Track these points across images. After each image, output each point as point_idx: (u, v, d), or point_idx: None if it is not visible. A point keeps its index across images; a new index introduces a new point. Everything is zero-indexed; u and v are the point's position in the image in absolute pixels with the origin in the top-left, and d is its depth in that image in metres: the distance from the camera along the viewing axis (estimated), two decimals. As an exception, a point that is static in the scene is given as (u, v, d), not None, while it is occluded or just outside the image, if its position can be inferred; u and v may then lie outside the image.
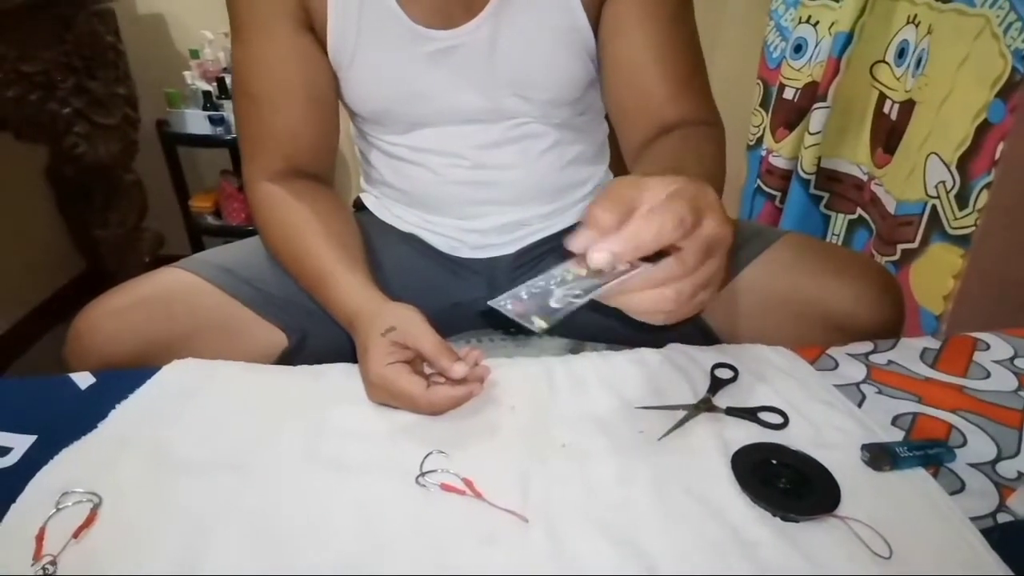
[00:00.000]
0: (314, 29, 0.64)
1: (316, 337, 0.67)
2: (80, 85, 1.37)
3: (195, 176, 1.88)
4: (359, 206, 0.82)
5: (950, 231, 0.97)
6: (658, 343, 0.75)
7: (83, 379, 0.57)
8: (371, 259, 0.71)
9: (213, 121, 1.66)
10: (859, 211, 1.25)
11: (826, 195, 1.29)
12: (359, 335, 0.54)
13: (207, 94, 1.67)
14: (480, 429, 0.49)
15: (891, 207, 1.10)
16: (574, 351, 0.81)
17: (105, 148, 1.42)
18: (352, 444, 0.47)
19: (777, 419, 0.48)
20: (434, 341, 0.50)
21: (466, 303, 0.77)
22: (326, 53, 0.65)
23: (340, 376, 0.56)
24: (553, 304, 0.36)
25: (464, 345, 0.81)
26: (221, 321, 0.63)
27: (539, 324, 0.35)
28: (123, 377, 0.56)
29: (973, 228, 0.93)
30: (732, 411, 0.49)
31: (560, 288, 0.37)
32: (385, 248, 0.75)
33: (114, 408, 0.52)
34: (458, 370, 0.49)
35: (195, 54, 1.72)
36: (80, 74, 1.36)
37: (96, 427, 0.50)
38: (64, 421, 0.50)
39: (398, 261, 0.75)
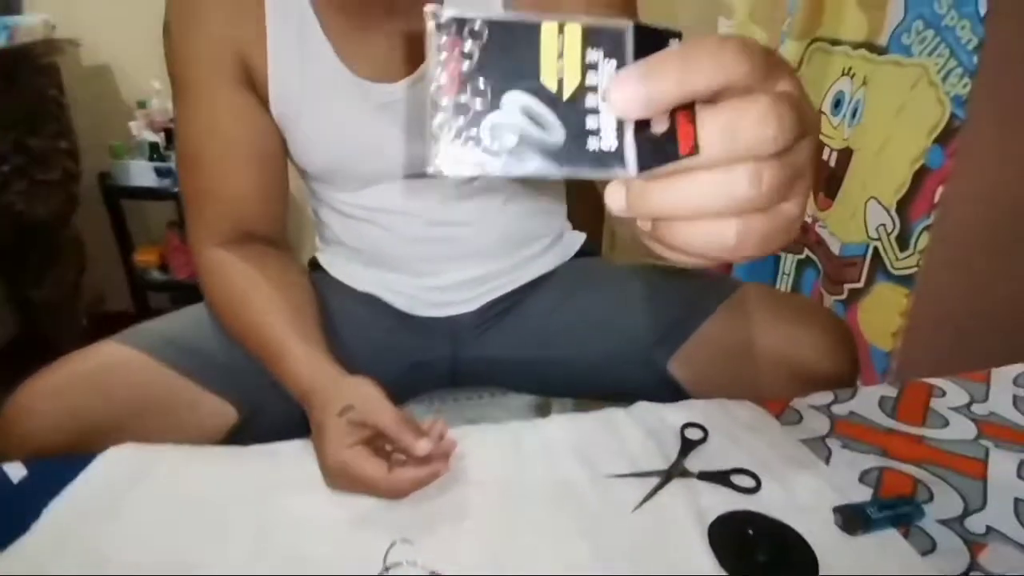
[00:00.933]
0: (255, 87, 0.63)
1: (269, 408, 0.63)
2: (20, 142, 1.31)
3: (141, 229, 1.81)
4: (315, 265, 0.80)
5: (893, 271, 1.01)
6: (626, 394, 0.75)
7: (15, 470, 0.53)
8: (327, 322, 0.68)
9: (160, 173, 1.62)
10: (806, 251, 1.29)
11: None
12: (314, 415, 0.52)
13: (154, 145, 1.63)
14: (447, 510, 0.47)
15: (836, 248, 1.14)
16: (540, 408, 0.80)
17: (44, 205, 1.36)
18: (309, 537, 0.44)
19: (750, 482, 0.48)
20: (395, 417, 0.48)
21: (428, 363, 0.76)
22: (269, 111, 0.63)
23: (295, 456, 0.53)
24: (496, 144, 0.21)
25: (426, 409, 0.79)
26: (164, 398, 0.60)
27: (437, 164, 0.21)
28: (57, 467, 0.52)
29: (916, 268, 0.97)
30: (705, 475, 0.48)
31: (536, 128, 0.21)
32: (342, 309, 0.73)
33: (47, 505, 0.48)
34: (422, 447, 0.47)
35: (142, 104, 1.68)
36: (20, 130, 1.31)
37: (29, 528, 0.46)
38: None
39: (356, 322, 0.73)
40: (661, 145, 0.22)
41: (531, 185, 0.74)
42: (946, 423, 0.57)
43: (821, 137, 1.17)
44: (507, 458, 0.52)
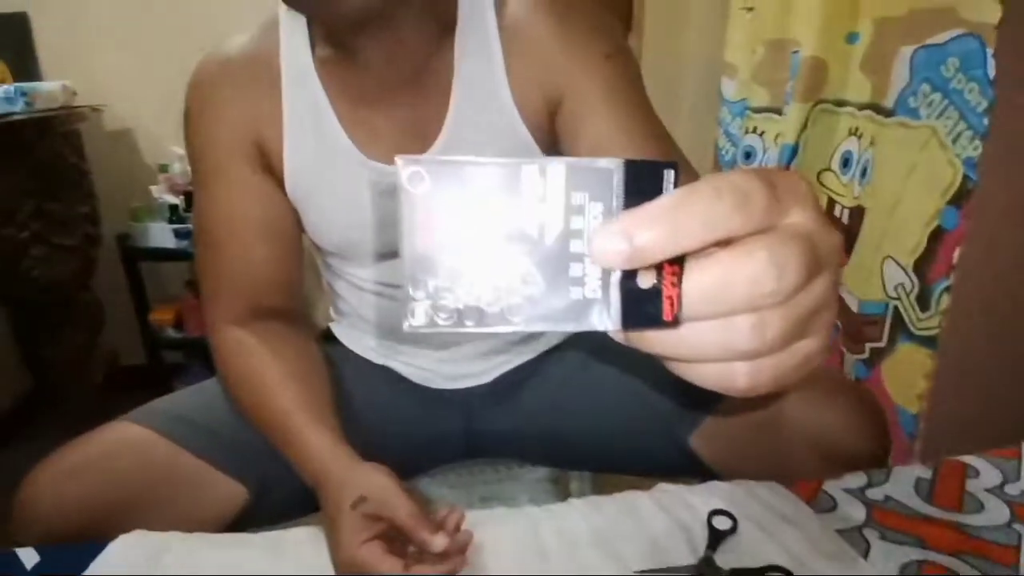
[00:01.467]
0: (271, 169, 0.64)
1: (280, 488, 0.62)
2: (40, 208, 1.34)
3: (157, 287, 1.83)
4: (329, 335, 0.80)
5: (915, 332, 0.99)
6: (646, 465, 0.72)
7: (28, 556, 0.52)
8: (341, 395, 0.68)
9: (178, 234, 1.64)
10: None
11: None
12: (326, 504, 0.50)
13: (173, 207, 1.66)
14: (465, 610, 0.45)
15: (854, 306, 1.12)
16: (556, 481, 0.78)
17: (62, 269, 1.38)
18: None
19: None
20: (410, 511, 0.47)
21: (443, 436, 0.74)
22: (284, 190, 0.65)
23: (306, 545, 0.51)
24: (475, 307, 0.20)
25: (439, 484, 0.77)
26: (175, 479, 0.59)
27: (412, 322, 0.21)
28: (69, 554, 0.52)
29: (938, 330, 0.95)
30: (736, 574, 0.46)
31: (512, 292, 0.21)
32: (356, 382, 0.72)
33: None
34: (439, 543, 0.45)
35: (164, 168, 1.72)
36: (40, 197, 1.34)
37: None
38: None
39: (370, 396, 0.72)
40: (647, 301, 0.21)
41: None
42: (981, 507, 0.55)
43: (832, 195, 1.17)
44: (526, 551, 0.50)
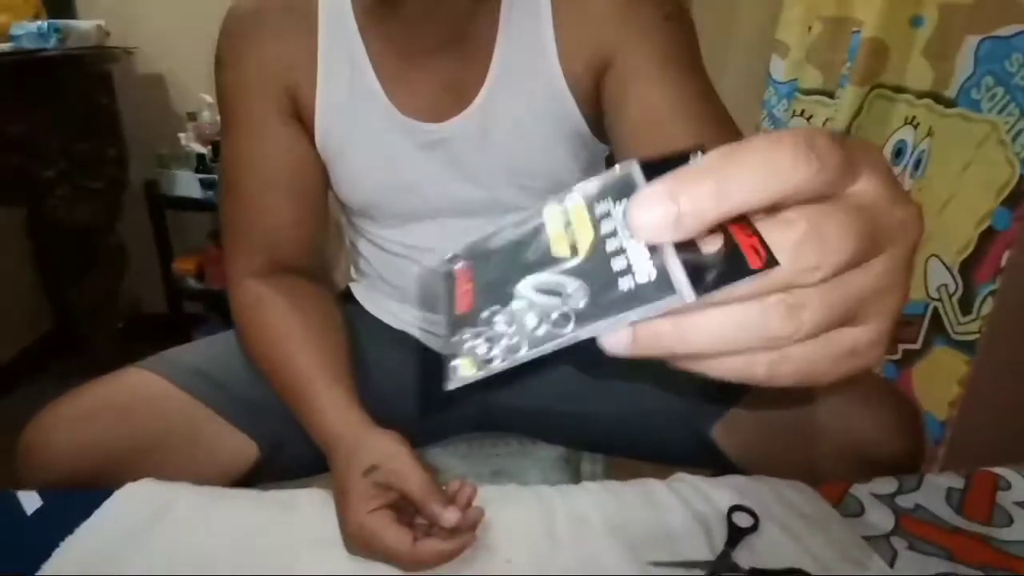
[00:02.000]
0: (302, 120, 0.62)
1: (291, 446, 0.61)
2: (67, 148, 1.34)
3: (181, 238, 1.84)
4: (348, 295, 0.78)
5: (954, 336, 0.95)
6: (663, 452, 0.70)
7: (30, 500, 0.51)
8: (358, 359, 0.66)
9: (204, 184, 1.63)
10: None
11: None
12: (337, 469, 0.49)
13: (200, 157, 1.65)
14: (472, 588, 0.43)
15: (891, 304, 1.08)
16: (569, 461, 0.77)
17: (87, 211, 1.38)
18: (325, 608, 0.41)
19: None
20: (421, 482, 0.45)
21: (456, 408, 0.73)
22: (314, 144, 0.63)
23: (316, 506, 0.50)
24: (509, 343, 0.19)
25: (451, 454, 0.76)
26: (188, 431, 0.58)
27: (460, 375, 0.20)
28: (73, 500, 0.51)
29: (978, 335, 0.91)
30: (756, 573, 0.44)
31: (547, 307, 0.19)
32: (374, 347, 0.71)
33: (60, 541, 0.46)
34: (449, 518, 0.44)
35: (193, 116, 1.70)
36: (69, 136, 1.34)
37: (40, 567, 0.44)
38: (5, 553, 0.46)
39: (386, 360, 0.70)
40: (718, 264, 0.18)
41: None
42: (1010, 520, 0.53)
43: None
44: (537, 532, 0.48)
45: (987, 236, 0.89)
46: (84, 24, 1.46)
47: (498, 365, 0.19)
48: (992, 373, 0.90)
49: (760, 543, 0.47)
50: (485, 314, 0.19)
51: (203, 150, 1.65)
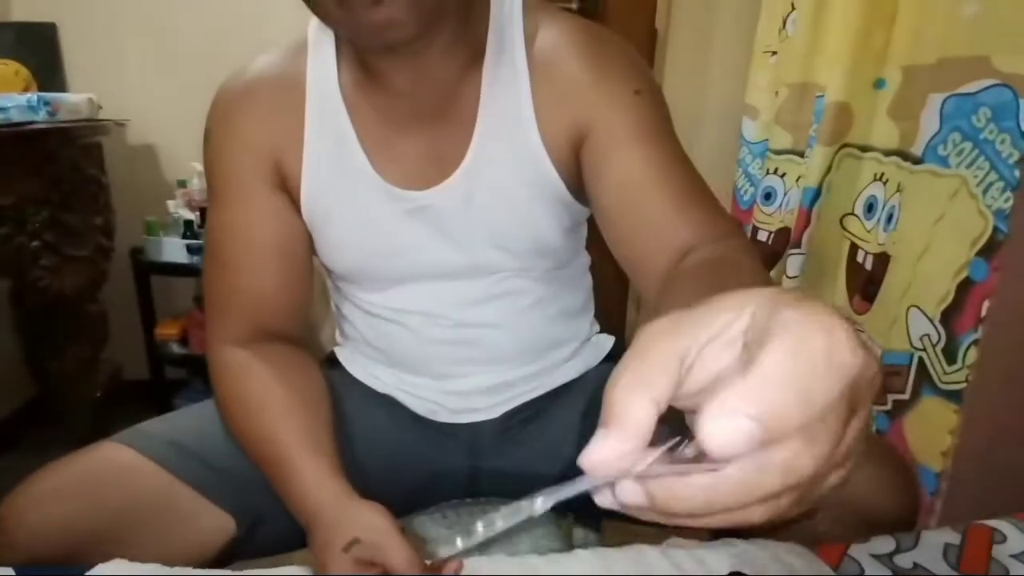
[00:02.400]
0: (288, 190, 0.63)
1: (271, 522, 0.59)
2: (54, 218, 1.34)
3: (166, 302, 1.83)
4: (332, 360, 0.78)
5: (941, 385, 0.95)
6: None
7: (5, 576, 0.49)
8: (343, 423, 0.65)
9: (191, 250, 1.64)
10: (843, 355, 1.23)
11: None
12: (316, 544, 0.48)
13: (188, 223, 1.67)
14: (459, 669, 0.41)
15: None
16: (559, 526, 0.74)
17: (72, 280, 1.37)
18: None
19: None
20: (405, 558, 0.44)
21: (446, 473, 0.71)
22: (299, 213, 0.64)
23: (296, 586, 0.48)
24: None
25: (438, 521, 0.74)
26: (162, 506, 0.56)
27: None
28: (46, 578, 0.49)
29: (964, 384, 0.91)
30: None
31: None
32: (359, 411, 0.70)
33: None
34: (435, 594, 0.42)
35: (183, 183, 1.73)
36: (56, 207, 1.34)
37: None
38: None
39: (373, 427, 0.69)
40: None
41: (558, 288, 0.72)
42: (1006, 573, 0.52)
43: (856, 240, 1.15)
44: (528, 605, 0.46)
45: (965, 286, 0.90)
46: (75, 97, 1.48)
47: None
48: (982, 420, 0.90)
49: (758, 610, 0.46)
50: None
51: (191, 216, 1.66)
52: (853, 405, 0.21)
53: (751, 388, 0.19)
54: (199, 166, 1.69)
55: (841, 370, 0.20)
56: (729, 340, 0.22)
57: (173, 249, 1.65)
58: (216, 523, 0.58)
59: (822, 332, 0.19)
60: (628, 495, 0.21)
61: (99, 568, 0.49)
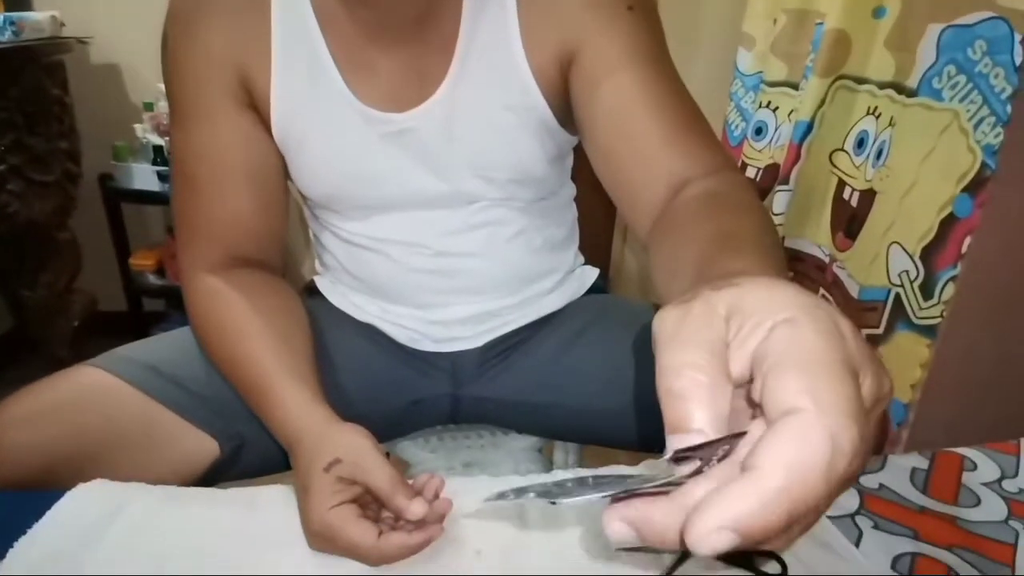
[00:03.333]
0: (257, 109, 0.60)
1: (254, 444, 0.60)
2: (19, 141, 1.28)
3: (139, 232, 1.78)
4: (313, 289, 0.77)
5: (915, 320, 0.97)
6: (636, 440, 0.70)
7: (-22, 501, 0.49)
8: (324, 352, 0.64)
9: (162, 177, 1.59)
10: (821, 291, 1.25)
11: (789, 274, 1.30)
12: (299, 465, 0.48)
13: (158, 148, 1.60)
14: (440, 582, 0.42)
15: (854, 291, 1.10)
16: (542, 451, 0.76)
17: (40, 206, 1.32)
18: (287, 608, 0.40)
19: (774, 567, 0.43)
20: (386, 476, 0.44)
21: (428, 400, 0.72)
22: (270, 133, 0.60)
23: (276, 504, 0.49)
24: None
25: (421, 447, 0.75)
26: (142, 429, 0.56)
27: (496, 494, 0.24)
28: (26, 501, 0.49)
29: (939, 319, 0.93)
30: (725, 556, 0.44)
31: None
32: (340, 340, 0.69)
33: (11, 545, 0.44)
34: (415, 510, 0.43)
35: (149, 106, 1.65)
36: (20, 130, 1.28)
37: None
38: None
39: (354, 355, 0.69)
40: None
41: (542, 219, 0.70)
42: (978, 501, 0.54)
43: (843, 176, 1.14)
44: (507, 523, 0.47)
45: (948, 223, 0.91)
46: (39, 15, 1.40)
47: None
48: (954, 356, 0.92)
49: (730, 527, 0.47)
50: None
51: (160, 141, 1.60)
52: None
53: (740, 506, 0.19)
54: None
55: (835, 484, 0.20)
56: (744, 353, 0.22)
57: (143, 176, 1.60)
58: (199, 446, 0.58)
59: (826, 442, 0.19)
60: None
61: (79, 488, 0.49)
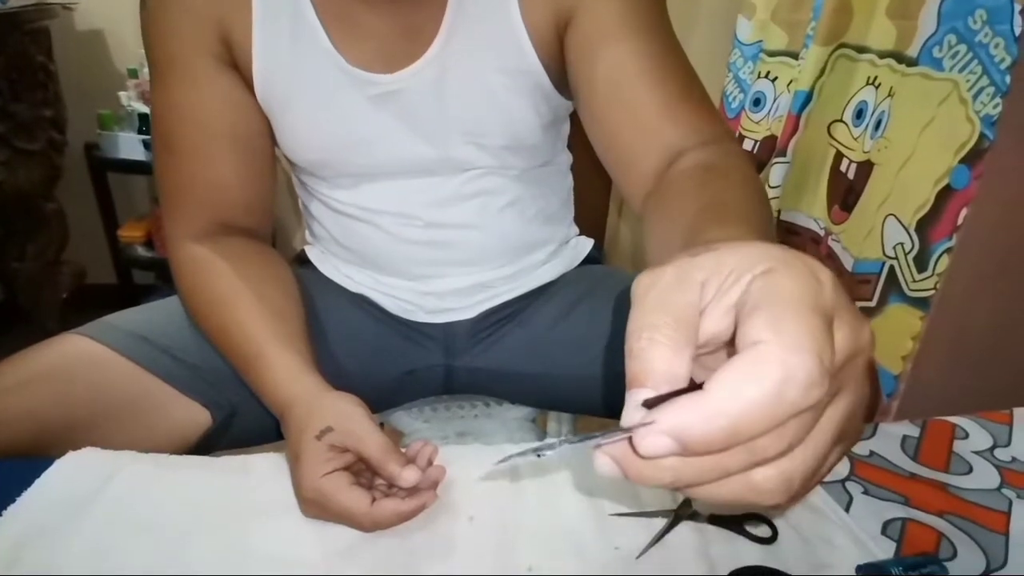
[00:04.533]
0: (239, 69, 0.58)
1: (246, 413, 0.59)
2: (3, 109, 1.25)
3: (127, 202, 1.75)
4: (303, 259, 0.76)
5: (909, 293, 0.97)
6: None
7: (-32, 471, 0.49)
8: (315, 322, 0.64)
9: (148, 146, 1.56)
10: (817, 264, 1.25)
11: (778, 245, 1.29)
12: (290, 433, 0.47)
13: (144, 117, 1.57)
14: (432, 547, 0.42)
15: (848, 264, 1.10)
16: (536, 421, 0.76)
17: (26, 175, 1.30)
18: (278, 572, 0.40)
19: (765, 531, 0.44)
20: (378, 443, 0.44)
21: (421, 371, 0.71)
22: (254, 95, 0.58)
23: (267, 474, 0.48)
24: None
25: (415, 417, 0.75)
26: (132, 399, 0.55)
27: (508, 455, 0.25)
28: (13, 469, 0.48)
29: (933, 291, 0.93)
30: (716, 519, 0.44)
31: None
32: (332, 311, 0.68)
33: (2, 511, 0.44)
34: (408, 477, 0.43)
35: (134, 73, 1.61)
36: (4, 97, 1.25)
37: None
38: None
39: (346, 326, 0.68)
40: None
41: (536, 188, 0.69)
42: (969, 469, 0.54)
43: (841, 148, 1.13)
44: (501, 490, 0.47)
45: (944, 194, 0.90)
46: (23, -21, 1.36)
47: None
48: (946, 327, 0.93)
49: (722, 493, 0.47)
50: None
51: (145, 109, 1.56)
52: (840, 376, 0.22)
53: (682, 417, 0.20)
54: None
55: (787, 412, 0.20)
56: (725, 309, 0.23)
57: (129, 145, 1.57)
58: (190, 415, 0.57)
59: (780, 367, 0.20)
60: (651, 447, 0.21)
61: (69, 456, 0.49)
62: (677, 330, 0.22)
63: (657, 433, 0.20)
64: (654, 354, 0.22)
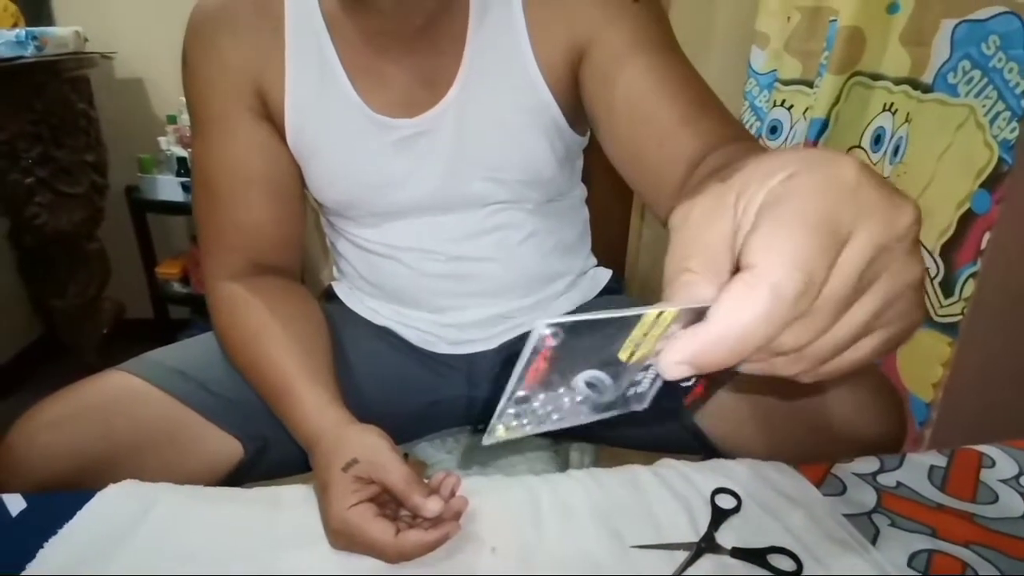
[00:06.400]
0: (272, 120, 0.62)
1: (277, 445, 0.61)
2: (46, 154, 1.32)
3: (164, 242, 1.82)
4: (331, 295, 0.78)
5: (936, 318, 0.96)
6: (650, 441, 0.71)
7: (14, 502, 0.51)
8: (341, 355, 0.66)
9: (186, 188, 1.63)
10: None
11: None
12: (318, 465, 0.49)
13: (182, 160, 1.64)
14: (457, 577, 0.43)
15: (874, 289, 1.09)
16: (556, 452, 0.77)
17: (68, 218, 1.36)
18: (309, 602, 0.41)
19: (789, 564, 0.44)
20: (402, 475, 0.45)
21: (444, 401, 0.73)
22: (286, 144, 0.62)
23: (298, 502, 0.50)
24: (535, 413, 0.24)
25: (438, 448, 0.76)
26: (169, 432, 0.58)
27: (496, 436, 0.24)
28: (56, 502, 0.50)
29: (960, 317, 0.92)
30: (739, 552, 0.44)
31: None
32: (358, 343, 0.70)
33: (43, 542, 0.46)
34: (432, 507, 0.44)
35: (172, 119, 1.69)
36: (47, 143, 1.32)
37: (24, 569, 0.44)
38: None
39: (372, 358, 0.70)
40: (677, 387, 0.25)
41: (553, 221, 0.71)
42: (996, 498, 0.53)
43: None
44: (523, 521, 0.48)
45: (967, 219, 0.90)
46: (62, 30, 1.44)
47: (527, 431, 0.23)
48: (975, 353, 0.91)
49: (742, 523, 0.47)
50: (540, 400, 0.23)
51: (183, 153, 1.64)
52: (864, 274, 0.23)
53: (690, 346, 0.22)
54: (189, 101, 1.65)
55: (780, 322, 0.22)
56: (749, 217, 0.24)
57: (168, 187, 1.64)
58: (224, 447, 0.59)
59: (764, 294, 0.21)
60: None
61: (110, 489, 0.51)
62: (707, 267, 0.24)
63: (676, 363, 0.23)
64: (688, 295, 0.24)
